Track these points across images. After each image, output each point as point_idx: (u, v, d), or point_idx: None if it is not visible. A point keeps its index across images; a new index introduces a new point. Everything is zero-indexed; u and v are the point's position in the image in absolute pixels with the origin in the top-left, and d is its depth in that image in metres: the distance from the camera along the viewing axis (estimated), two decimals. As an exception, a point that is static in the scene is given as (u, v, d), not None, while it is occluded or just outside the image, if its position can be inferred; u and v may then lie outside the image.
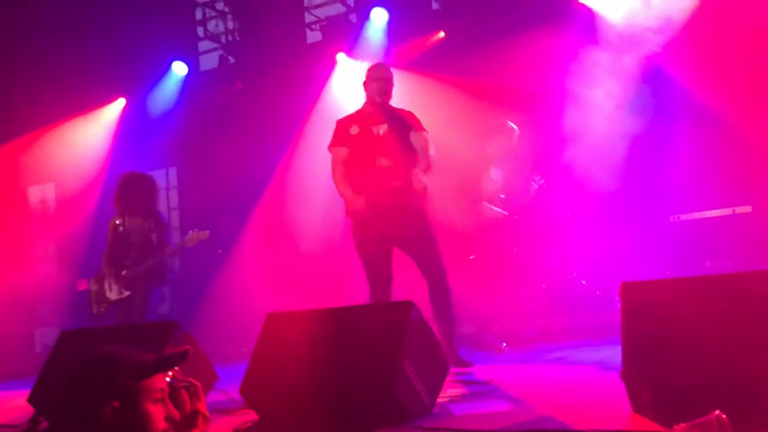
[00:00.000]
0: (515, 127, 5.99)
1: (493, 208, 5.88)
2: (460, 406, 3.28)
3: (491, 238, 5.87)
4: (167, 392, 1.90)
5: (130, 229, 5.65)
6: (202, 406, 2.06)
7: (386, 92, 4.89)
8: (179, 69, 9.03)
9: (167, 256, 5.74)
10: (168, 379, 1.96)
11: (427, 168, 4.74)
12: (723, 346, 2.65)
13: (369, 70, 5.03)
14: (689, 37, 6.34)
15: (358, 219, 4.73)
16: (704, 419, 2.07)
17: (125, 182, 5.77)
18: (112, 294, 5.58)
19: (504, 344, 5.56)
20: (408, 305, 3.19)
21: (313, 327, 3.37)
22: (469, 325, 5.77)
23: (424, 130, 4.87)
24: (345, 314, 3.42)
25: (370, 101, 4.93)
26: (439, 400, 3.31)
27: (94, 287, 5.67)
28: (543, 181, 6.16)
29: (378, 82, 4.87)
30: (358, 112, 5.02)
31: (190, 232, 5.73)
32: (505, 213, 5.94)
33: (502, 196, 6.00)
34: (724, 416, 2.05)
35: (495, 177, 5.96)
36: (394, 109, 4.96)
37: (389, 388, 2.94)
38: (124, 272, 5.59)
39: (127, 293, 5.53)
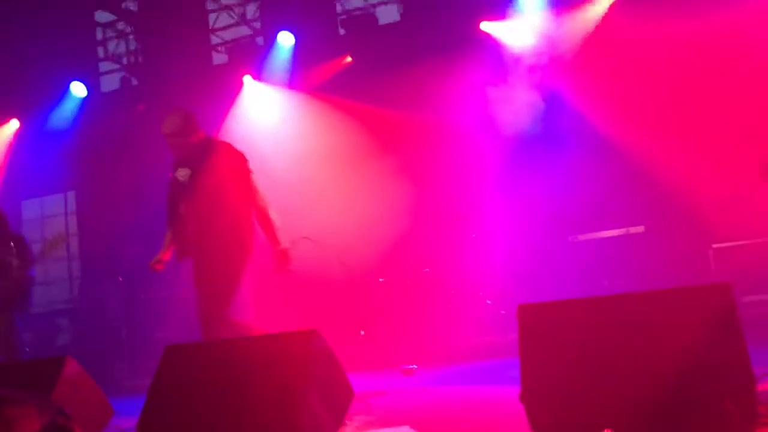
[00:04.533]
0: None
1: None
2: (365, 433, 3.26)
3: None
4: None
5: None
6: None
7: (177, 146, 4.56)
8: (78, 90, 8.71)
9: (25, 280, 5.29)
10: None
11: None
12: (615, 366, 2.74)
13: None
14: (584, 65, 6.63)
15: None
16: (596, 438, 2.13)
17: None
18: None
19: (414, 366, 5.58)
20: (311, 334, 3.15)
21: (215, 359, 3.28)
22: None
23: None
24: (247, 344, 3.35)
25: None
26: (343, 427, 3.29)
27: None
28: None
29: (168, 140, 4.58)
30: None
31: (47, 240, 5.37)
32: None
33: None
34: (614, 434, 2.12)
35: None
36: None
37: (292, 418, 2.89)
38: None
39: None
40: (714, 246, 5.78)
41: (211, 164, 4.53)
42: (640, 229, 6.24)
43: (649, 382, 2.67)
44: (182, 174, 4.56)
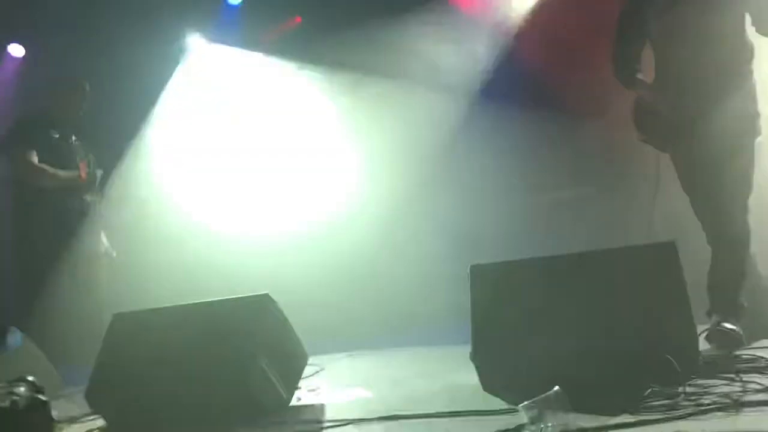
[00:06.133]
0: None
1: None
2: (319, 397, 3.27)
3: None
4: None
5: None
6: None
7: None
8: (15, 51, 8.34)
9: None
10: None
11: None
12: (565, 325, 2.78)
13: None
14: (537, 23, 6.61)
15: None
16: (545, 395, 2.16)
17: None
18: None
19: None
20: (263, 298, 3.12)
21: (164, 325, 3.23)
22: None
23: None
24: (197, 310, 3.29)
25: None
26: (298, 392, 3.28)
27: None
28: None
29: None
30: None
31: None
32: None
33: None
34: (562, 392, 2.16)
35: None
36: None
37: (243, 383, 2.87)
38: None
39: None
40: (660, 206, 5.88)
41: None
42: (591, 189, 6.31)
43: (597, 340, 2.72)
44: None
